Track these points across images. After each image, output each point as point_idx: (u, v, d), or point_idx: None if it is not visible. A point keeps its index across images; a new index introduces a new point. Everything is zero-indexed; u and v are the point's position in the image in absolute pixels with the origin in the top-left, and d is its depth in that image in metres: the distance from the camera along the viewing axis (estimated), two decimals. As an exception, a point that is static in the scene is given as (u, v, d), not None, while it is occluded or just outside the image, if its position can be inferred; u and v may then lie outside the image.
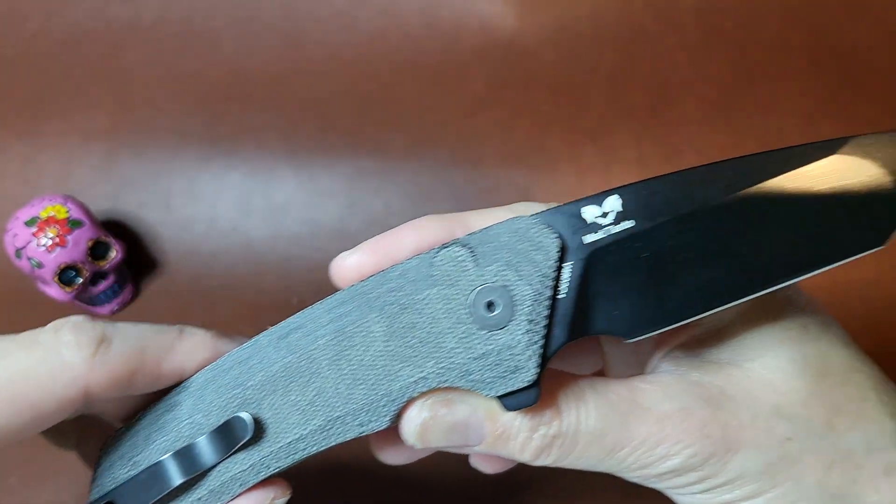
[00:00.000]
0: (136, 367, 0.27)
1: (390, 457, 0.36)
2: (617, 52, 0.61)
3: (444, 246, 0.27)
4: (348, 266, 0.29)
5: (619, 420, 0.27)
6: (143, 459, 0.27)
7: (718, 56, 0.61)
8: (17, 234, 0.51)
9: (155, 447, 0.27)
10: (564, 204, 0.27)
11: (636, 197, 0.26)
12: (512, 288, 0.25)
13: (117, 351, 0.26)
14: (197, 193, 0.59)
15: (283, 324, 0.28)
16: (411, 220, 0.29)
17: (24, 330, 0.26)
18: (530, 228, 0.26)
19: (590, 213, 0.26)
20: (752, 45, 0.61)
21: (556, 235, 0.26)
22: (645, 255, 0.26)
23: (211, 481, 0.27)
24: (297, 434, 0.27)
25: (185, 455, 0.26)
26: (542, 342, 0.25)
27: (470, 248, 0.26)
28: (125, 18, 0.59)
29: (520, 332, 0.25)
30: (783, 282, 0.26)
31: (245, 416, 0.26)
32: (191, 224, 0.59)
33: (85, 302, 0.55)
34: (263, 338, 0.28)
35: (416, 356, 0.26)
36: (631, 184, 0.26)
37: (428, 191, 0.60)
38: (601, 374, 0.37)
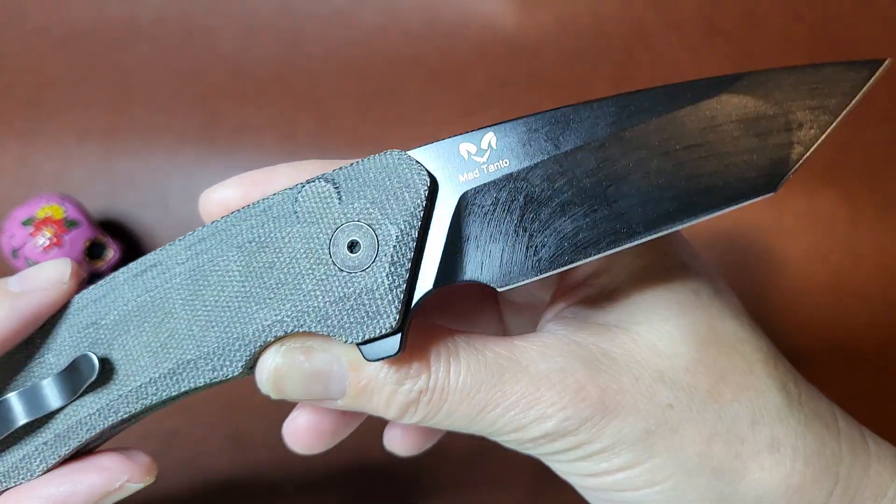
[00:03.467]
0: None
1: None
2: (618, 51, 0.61)
3: (310, 181, 0.25)
4: (215, 201, 0.27)
5: (491, 378, 0.25)
6: None
7: (720, 54, 0.61)
8: (14, 234, 0.51)
9: (8, 388, 0.26)
10: (443, 139, 0.25)
11: (514, 134, 0.24)
12: (376, 227, 0.24)
13: None
14: (195, 193, 0.58)
15: (140, 260, 0.26)
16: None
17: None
18: (400, 164, 0.24)
19: (466, 149, 0.24)
20: (754, 43, 0.61)
21: (425, 172, 0.24)
22: (520, 197, 0.24)
23: (57, 424, 0.26)
24: (147, 377, 0.25)
25: (31, 395, 0.25)
26: (404, 286, 0.24)
27: (335, 183, 0.25)
28: (123, 17, 0.59)
29: (381, 275, 0.23)
30: (664, 229, 0.24)
31: (91, 355, 0.25)
32: (189, 224, 0.58)
33: (82, 302, 0.55)
34: (120, 274, 0.26)
35: (272, 298, 0.24)
36: (509, 120, 0.24)
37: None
38: None
